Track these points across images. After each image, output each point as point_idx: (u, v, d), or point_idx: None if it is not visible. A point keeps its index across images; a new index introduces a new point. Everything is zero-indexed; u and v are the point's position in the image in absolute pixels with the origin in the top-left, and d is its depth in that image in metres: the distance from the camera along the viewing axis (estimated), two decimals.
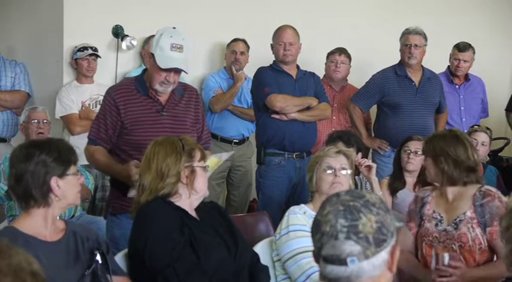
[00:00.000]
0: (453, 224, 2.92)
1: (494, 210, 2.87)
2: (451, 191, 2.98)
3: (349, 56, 5.33)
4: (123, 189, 3.12)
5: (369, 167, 3.73)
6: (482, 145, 4.60)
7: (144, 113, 3.22)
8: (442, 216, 2.96)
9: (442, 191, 3.02)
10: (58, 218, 2.34)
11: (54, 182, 2.24)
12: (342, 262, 1.54)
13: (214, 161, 3.05)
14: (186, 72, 3.28)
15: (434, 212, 3.01)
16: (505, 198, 2.95)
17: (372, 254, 1.54)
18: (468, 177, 2.94)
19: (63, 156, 2.27)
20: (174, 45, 3.14)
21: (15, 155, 2.27)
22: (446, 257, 2.78)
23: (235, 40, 5.29)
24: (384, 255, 1.56)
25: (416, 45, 4.90)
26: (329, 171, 3.04)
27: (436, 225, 2.97)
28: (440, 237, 2.94)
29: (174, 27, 3.28)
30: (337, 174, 3.03)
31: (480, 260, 2.89)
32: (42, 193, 2.23)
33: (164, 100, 3.26)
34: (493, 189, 2.96)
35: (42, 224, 2.25)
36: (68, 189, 2.27)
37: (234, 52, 5.25)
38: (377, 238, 1.54)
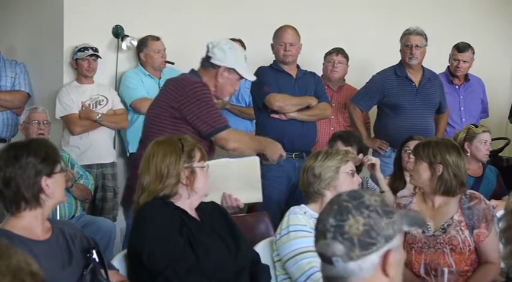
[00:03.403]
0: (441, 229, 2.95)
1: (481, 212, 2.95)
2: (438, 199, 3.02)
3: (346, 56, 5.31)
4: None
5: (373, 165, 3.80)
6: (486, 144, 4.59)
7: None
8: (428, 224, 2.98)
9: (428, 198, 3.05)
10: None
11: (44, 182, 2.25)
12: (329, 261, 1.54)
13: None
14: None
15: None
16: (489, 202, 3.07)
17: (356, 257, 1.51)
18: (460, 189, 2.99)
19: (50, 156, 2.28)
20: (245, 57, 3.36)
21: (2, 159, 2.24)
22: (445, 271, 2.79)
23: None
24: (373, 258, 1.52)
25: (417, 46, 4.90)
26: (354, 177, 3.02)
27: (423, 231, 2.98)
28: (430, 242, 2.96)
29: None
30: (356, 178, 3.04)
31: (468, 261, 2.93)
32: (34, 194, 2.23)
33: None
34: (477, 193, 3.04)
35: (34, 224, 2.26)
36: (56, 188, 2.29)
37: None
38: (363, 241, 1.51)
